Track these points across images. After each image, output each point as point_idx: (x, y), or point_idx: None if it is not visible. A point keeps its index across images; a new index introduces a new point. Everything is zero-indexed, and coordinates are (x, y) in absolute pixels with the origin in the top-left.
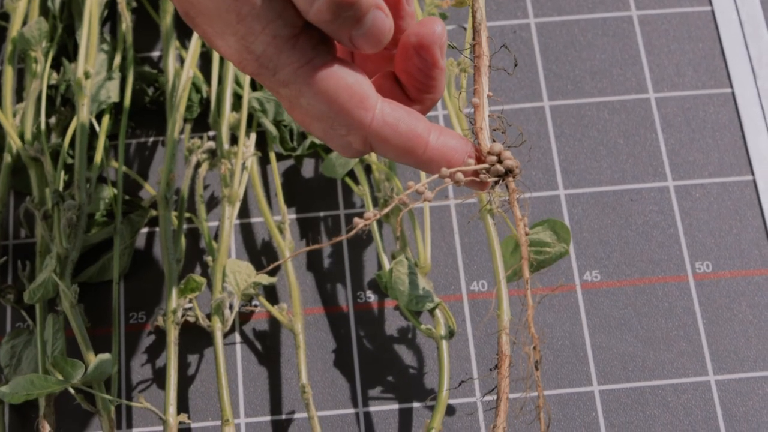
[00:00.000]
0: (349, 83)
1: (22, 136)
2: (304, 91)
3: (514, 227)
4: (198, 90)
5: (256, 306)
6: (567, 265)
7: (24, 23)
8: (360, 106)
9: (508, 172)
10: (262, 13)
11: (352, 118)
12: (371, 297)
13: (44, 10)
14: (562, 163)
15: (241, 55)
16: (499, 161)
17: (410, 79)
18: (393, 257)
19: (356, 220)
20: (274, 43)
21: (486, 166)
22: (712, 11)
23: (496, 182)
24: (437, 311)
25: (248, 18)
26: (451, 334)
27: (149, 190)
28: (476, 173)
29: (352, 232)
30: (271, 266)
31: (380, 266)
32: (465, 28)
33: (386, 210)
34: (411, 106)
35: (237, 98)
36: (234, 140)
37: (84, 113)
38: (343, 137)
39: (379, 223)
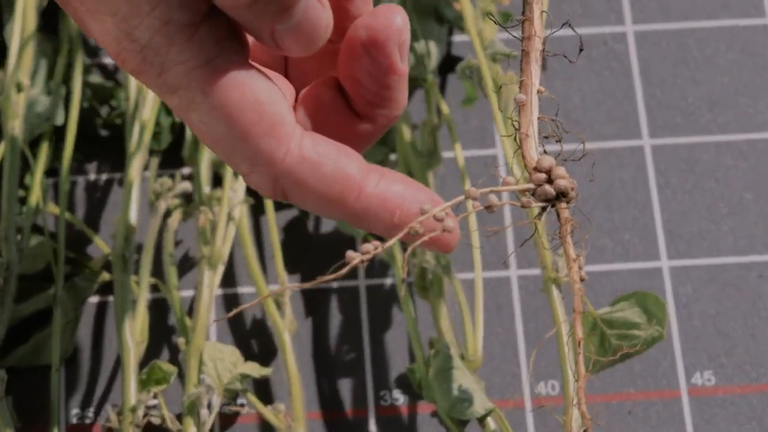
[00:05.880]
0: (260, 99)
1: None
2: (197, 102)
3: (576, 296)
4: (169, 111)
5: (242, 405)
6: (669, 362)
7: None
8: (270, 134)
9: (561, 195)
10: None
11: (259, 149)
12: (399, 399)
13: None
14: (667, 224)
15: (120, 44)
16: (550, 180)
17: (358, 87)
18: (431, 345)
19: (349, 253)
20: (164, 31)
21: (531, 186)
22: None
23: (544, 209)
24: (489, 420)
25: None
26: None
27: (101, 246)
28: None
29: (344, 270)
30: (233, 312)
31: (413, 357)
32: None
33: (392, 242)
34: (358, 126)
35: None
36: (217, 181)
37: (14, 139)
38: (247, 175)
39: (413, 298)
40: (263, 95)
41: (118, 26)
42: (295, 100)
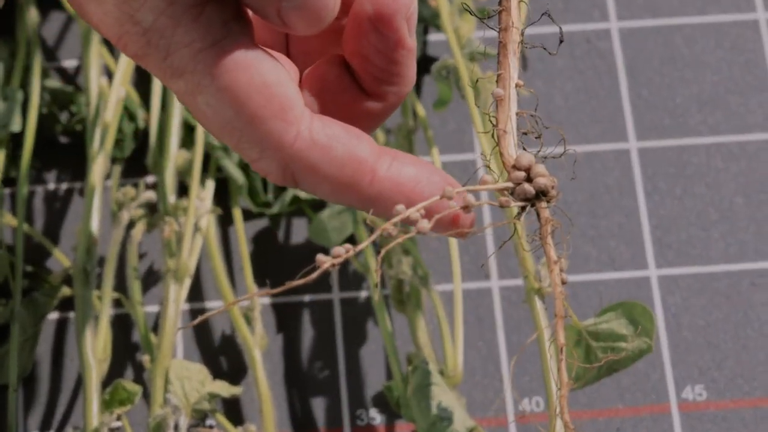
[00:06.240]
0: (268, 82)
1: None
2: (204, 85)
3: (557, 300)
4: (132, 117)
5: (211, 427)
6: (658, 376)
7: None
8: (279, 116)
9: (541, 194)
10: None
11: (268, 132)
12: (376, 418)
13: None
14: (655, 231)
15: (122, 27)
16: (529, 179)
17: (365, 64)
18: (409, 361)
19: (320, 257)
20: (169, 12)
21: (509, 185)
22: None
23: (523, 208)
24: None
25: None
26: None
27: (61, 259)
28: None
29: (314, 275)
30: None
31: (390, 374)
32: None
33: (365, 245)
34: (367, 104)
35: (188, 130)
36: (183, 190)
37: None
38: (255, 161)
39: (389, 311)
40: (271, 77)
41: (119, 8)
42: (299, 81)
